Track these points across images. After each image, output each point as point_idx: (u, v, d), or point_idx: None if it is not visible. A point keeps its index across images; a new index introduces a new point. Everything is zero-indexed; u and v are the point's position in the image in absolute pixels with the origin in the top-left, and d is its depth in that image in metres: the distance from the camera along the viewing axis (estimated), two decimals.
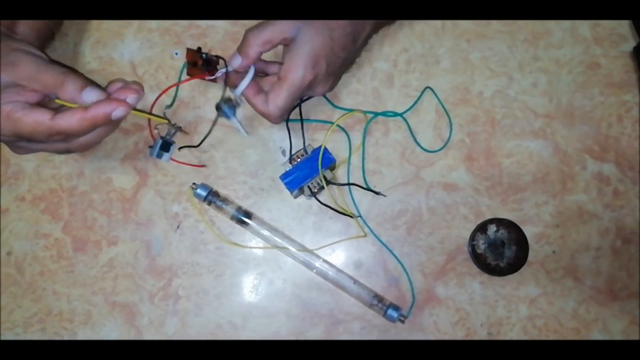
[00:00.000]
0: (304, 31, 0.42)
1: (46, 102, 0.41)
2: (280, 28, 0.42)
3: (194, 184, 0.50)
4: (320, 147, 0.48)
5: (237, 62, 0.43)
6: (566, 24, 0.53)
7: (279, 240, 0.49)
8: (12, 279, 0.50)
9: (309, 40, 0.42)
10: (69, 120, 0.38)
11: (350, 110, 0.51)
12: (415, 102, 0.51)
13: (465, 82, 0.52)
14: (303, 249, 0.49)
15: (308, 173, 0.48)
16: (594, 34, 0.52)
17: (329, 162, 0.48)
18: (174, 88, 0.51)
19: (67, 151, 0.43)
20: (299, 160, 0.49)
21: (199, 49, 0.48)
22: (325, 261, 0.50)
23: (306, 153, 0.49)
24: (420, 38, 0.53)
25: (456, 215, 0.51)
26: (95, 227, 0.51)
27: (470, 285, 0.50)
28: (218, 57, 0.47)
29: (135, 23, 0.53)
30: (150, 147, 0.50)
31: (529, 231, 0.50)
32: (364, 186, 0.50)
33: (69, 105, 0.40)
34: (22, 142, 0.41)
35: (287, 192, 0.50)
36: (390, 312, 0.48)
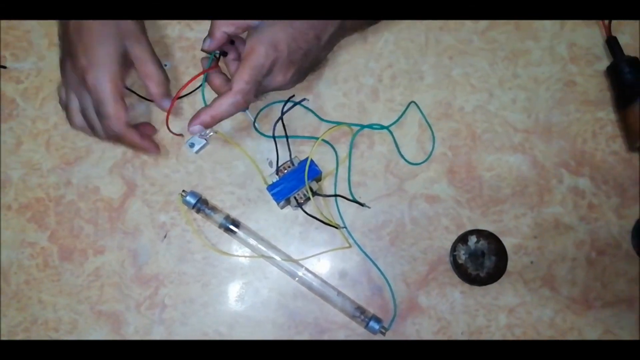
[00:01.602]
0: (267, 25, 0.45)
1: None
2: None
3: (183, 191, 0.50)
4: (306, 159, 0.49)
5: (206, 44, 0.46)
6: (544, 42, 0.55)
7: (265, 249, 0.50)
8: None
9: (270, 25, 0.44)
10: (131, 135, 0.46)
11: (338, 123, 0.52)
12: (401, 116, 0.53)
13: (447, 97, 0.54)
14: (288, 259, 0.50)
15: (295, 184, 0.49)
16: (571, 54, 0.55)
17: (315, 174, 0.49)
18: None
19: (107, 133, 0.47)
20: (285, 171, 0.50)
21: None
22: (309, 271, 0.51)
23: (293, 165, 0.50)
24: (404, 54, 0.54)
25: (438, 226, 0.52)
26: (82, 236, 0.51)
27: (451, 294, 0.51)
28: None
29: None
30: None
31: (508, 242, 0.51)
32: (349, 198, 0.51)
33: None
34: (79, 87, 0.46)
35: (274, 202, 0.51)
36: (372, 324, 0.49)
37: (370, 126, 0.53)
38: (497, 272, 0.51)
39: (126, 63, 0.46)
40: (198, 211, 0.50)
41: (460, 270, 0.51)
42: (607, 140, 0.54)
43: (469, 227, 0.52)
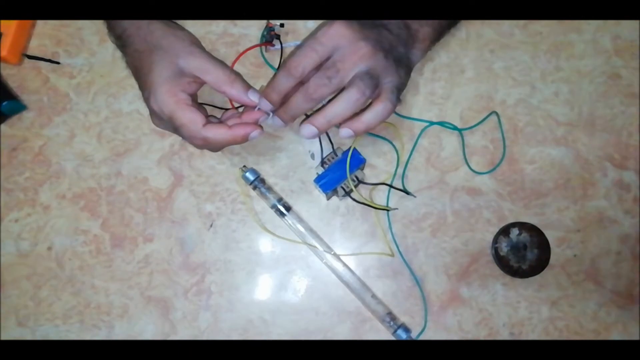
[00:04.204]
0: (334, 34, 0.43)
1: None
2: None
3: (244, 166, 0.52)
4: (349, 148, 0.49)
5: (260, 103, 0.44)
6: (587, 35, 0.55)
7: (309, 237, 0.51)
8: (53, 272, 0.53)
9: (339, 26, 0.42)
10: (215, 133, 0.43)
11: (417, 120, 0.53)
12: (479, 123, 0.53)
13: (488, 90, 0.54)
14: (330, 251, 0.51)
15: (340, 175, 0.49)
16: (615, 46, 0.54)
17: (359, 163, 0.50)
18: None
19: (195, 144, 0.46)
20: (330, 162, 0.51)
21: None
22: (348, 268, 0.51)
23: (336, 155, 0.51)
24: (445, 48, 0.55)
25: (480, 219, 0.52)
26: (132, 225, 0.53)
27: (493, 286, 0.52)
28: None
29: None
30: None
31: (550, 235, 0.51)
32: (397, 187, 0.52)
33: None
34: (165, 122, 0.44)
35: (315, 193, 0.52)
36: (399, 332, 0.49)
37: (442, 124, 0.53)
38: (539, 265, 0.51)
39: (187, 80, 0.44)
40: (255, 188, 0.52)
41: (502, 263, 0.51)
42: None
43: (511, 220, 0.52)
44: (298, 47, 0.43)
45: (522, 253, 0.51)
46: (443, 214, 0.53)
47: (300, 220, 0.52)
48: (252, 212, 0.53)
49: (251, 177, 0.51)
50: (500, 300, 0.51)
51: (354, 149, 0.49)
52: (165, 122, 0.45)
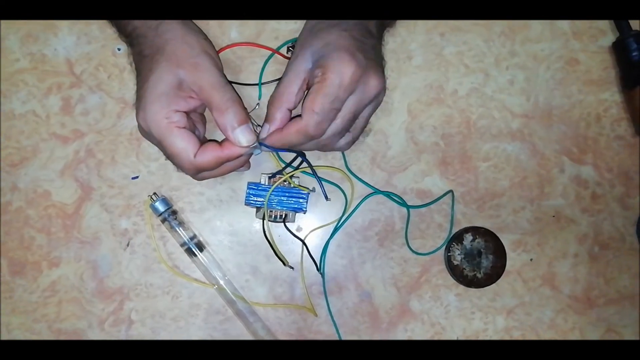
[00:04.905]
0: (320, 46, 0.39)
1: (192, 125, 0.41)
2: (294, 70, 0.39)
3: (154, 194, 0.45)
4: (307, 193, 0.45)
5: (265, 131, 0.40)
6: None
7: (222, 284, 0.45)
8: None
9: (330, 44, 0.38)
10: (206, 160, 0.39)
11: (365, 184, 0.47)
12: (433, 202, 0.47)
13: (439, 79, 0.49)
14: (242, 300, 0.46)
15: (277, 202, 0.44)
16: (573, 28, 0.49)
17: (299, 209, 0.45)
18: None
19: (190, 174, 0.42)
20: (281, 183, 0.44)
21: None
22: (264, 325, 0.46)
23: (289, 183, 0.44)
24: (391, 32, 0.48)
25: (431, 224, 0.48)
26: (34, 247, 0.46)
27: (446, 297, 0.47)
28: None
29: None
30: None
31: (506, 239, 0.47)
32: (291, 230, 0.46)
33: None
34: (152, 139, 0.41)
35: (248, 209, 0.45)
36: None
37: (387, 195, 0.47)
38: (495, 273, 0.47)
39: (184, 95, 0.39)
40: (164, 221, 0.45)
41: (456, 272, 0.47)
42: (611, 123, 0.49)
43: (464, 224, 0.48)
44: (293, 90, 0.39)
45: (477, 260, 0.47)
46: (391, 220, 0.48)
47: (215, 263, 0.45)
48: (159, 253, 0.46)
49: (161, 209, 0.44)
50: (454, 312, 0.47)
51: (308, 193, 0.45)
52: (152, 140, 0.41)
